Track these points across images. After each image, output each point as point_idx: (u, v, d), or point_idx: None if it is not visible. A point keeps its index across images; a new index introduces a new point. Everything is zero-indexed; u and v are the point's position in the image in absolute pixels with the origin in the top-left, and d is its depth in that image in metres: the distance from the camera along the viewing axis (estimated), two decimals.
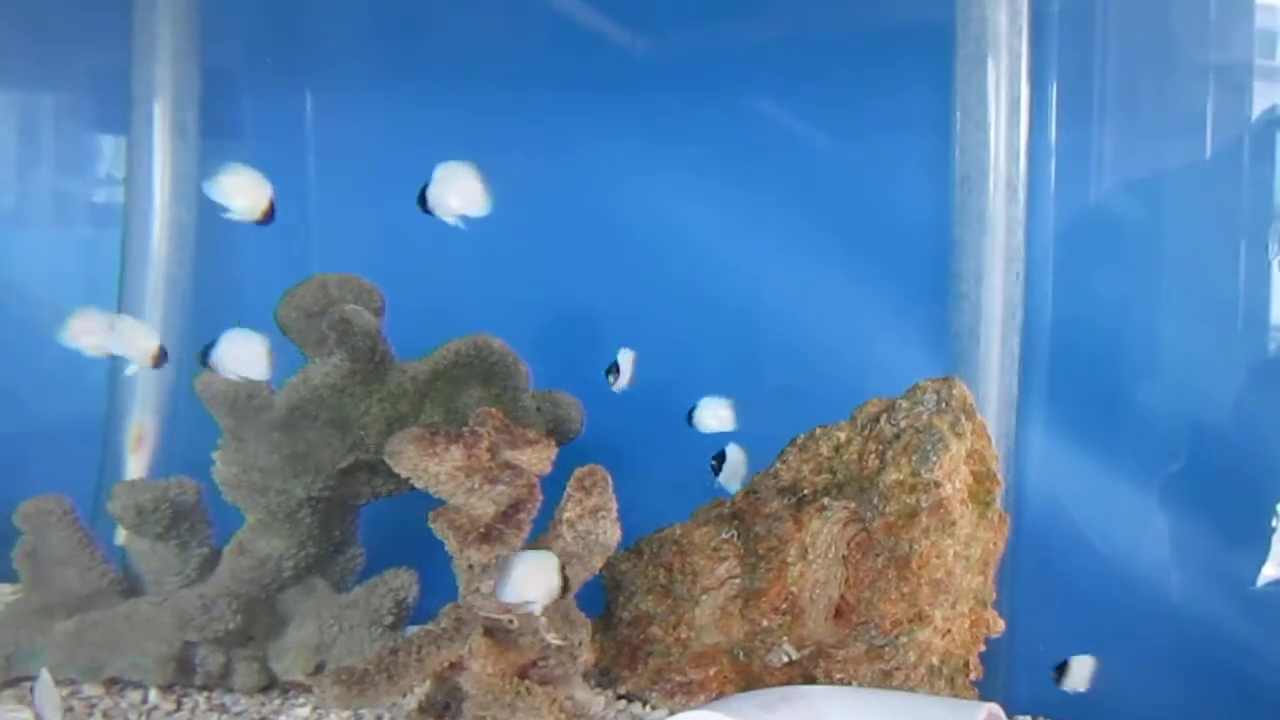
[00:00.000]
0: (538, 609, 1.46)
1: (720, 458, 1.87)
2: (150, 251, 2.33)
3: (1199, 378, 2.04)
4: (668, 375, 1.94)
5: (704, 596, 1.82)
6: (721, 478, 1.86)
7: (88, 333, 1.56)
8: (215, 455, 1.74)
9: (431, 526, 1.54)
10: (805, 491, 1.80)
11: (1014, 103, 2.05)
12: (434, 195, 1.63)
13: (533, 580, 1.44)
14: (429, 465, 1.55)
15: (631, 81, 2.27)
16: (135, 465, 2.08)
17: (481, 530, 1.52)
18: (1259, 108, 2.03)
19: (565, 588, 1.48)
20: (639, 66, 2.30)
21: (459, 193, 1.63)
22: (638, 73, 2.29)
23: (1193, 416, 2.03)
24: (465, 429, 1.59)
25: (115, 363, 2.29)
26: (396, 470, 1.58)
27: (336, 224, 2.37)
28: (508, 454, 1.61)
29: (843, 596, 1.79)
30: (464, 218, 1.65)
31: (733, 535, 1.84)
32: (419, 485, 1.58)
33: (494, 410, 1.64)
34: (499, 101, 2.27)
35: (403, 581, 1.75)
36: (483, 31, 2.30)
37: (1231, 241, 2.02)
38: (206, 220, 2.35)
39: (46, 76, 2.47)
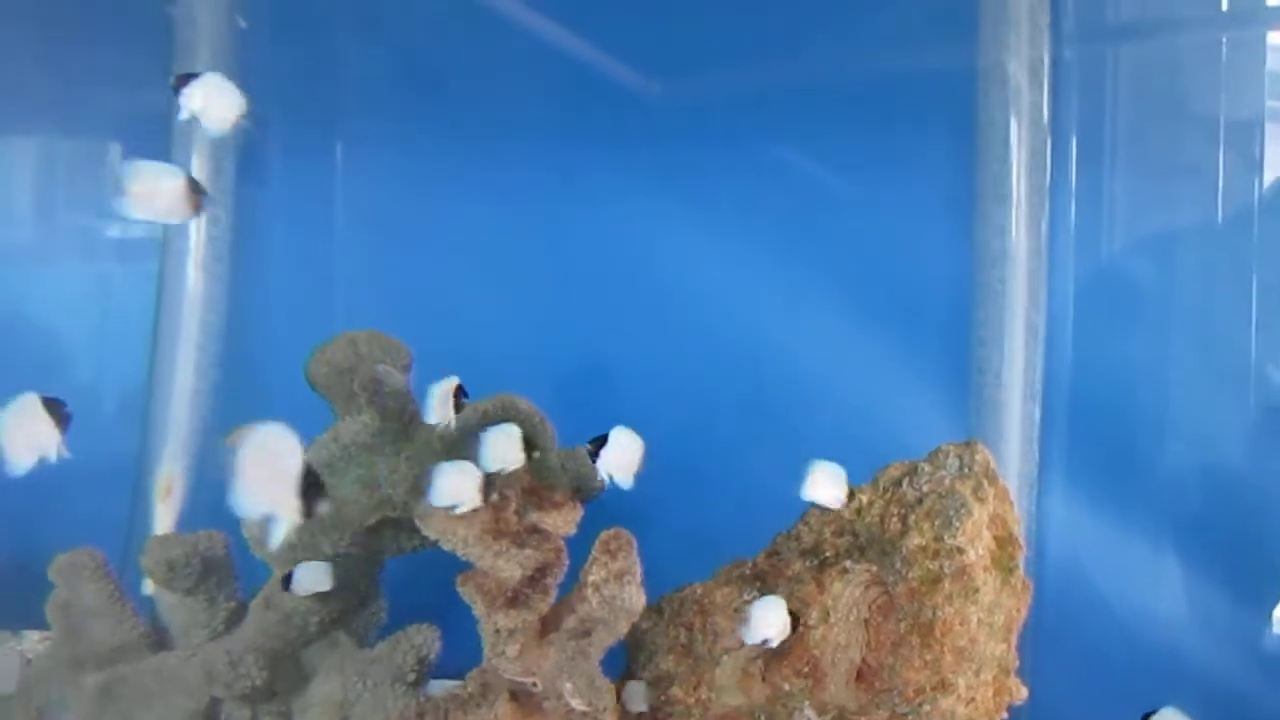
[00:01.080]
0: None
1: (600, 441, 1.58)
2: (184, 293, 2.37)
3: (1216, 439, 2.05)
4: (688, 429, 1.97)
5: (725, 657, 1.83)
6: (601, 465, 1.57)
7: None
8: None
9: (460, 591, 1.55)
10: (827, 554, 1.82)
11: (1035, 154, 2.08)
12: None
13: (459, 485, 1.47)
14: (457, 528, 1.57)
15: (653, 136, 2.31)
16: (164, 515, 2.11)
17: (509, 595, 1.54)
18: (1271, 157, 2.05)
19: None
20: (660, 121, 2.35)
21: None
22: (659, 127, 2.33)
23: (1211, 478, 2.03)
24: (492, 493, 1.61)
25: (149, 404, 2.34)
26: (425, 533, 1.60)
27: (363, 274, 2.41)
28: (534, 516, 1.63)
29: (864, 660, 1.79)
30: None
31: (755, 595, 1.85)
32: (446, 548, 1.60)
33: (520, 471, 1.66)
34: (523, 156, 2.31)
35: (425, 638, 1.76)
36: (508, 87, 2.35)
37: (1245, 301, 2.04)
38: (240, 267, 2.40)
39: (87, 118, 2.52)
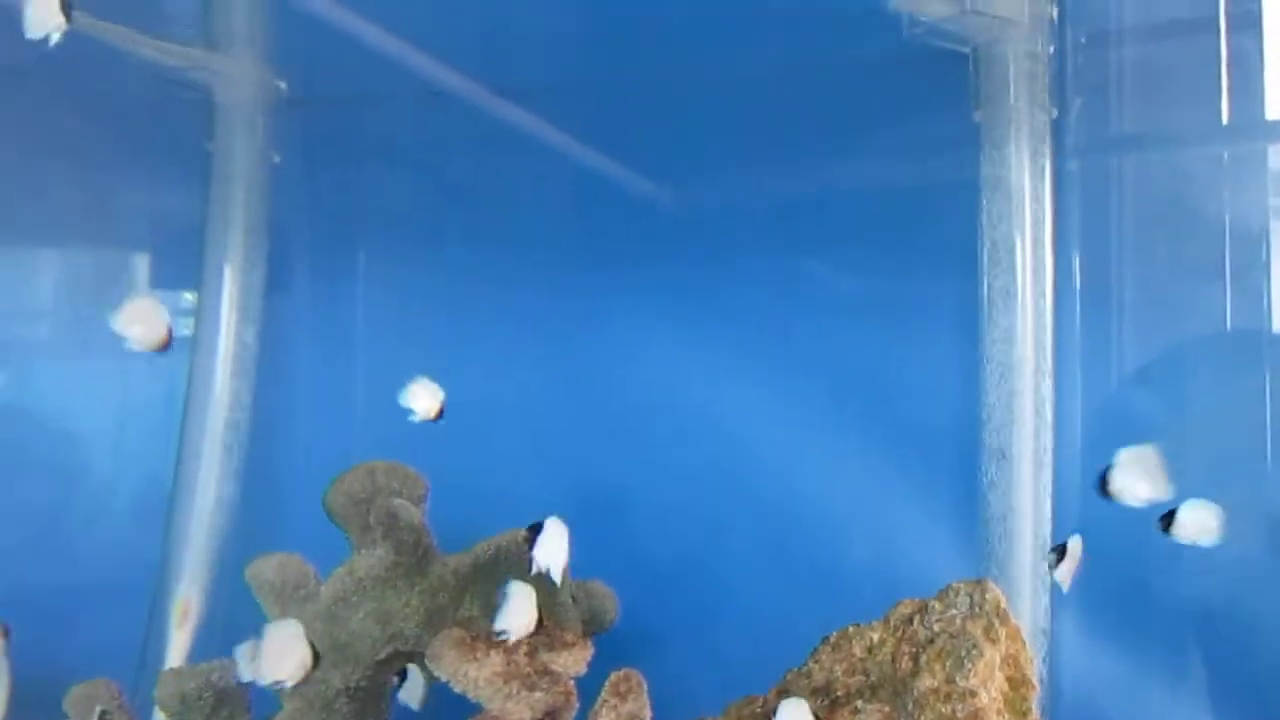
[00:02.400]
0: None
1: (536, 529, 1.63)
2: (212, 394, 2.42)
3: (1233, 569, 2.03)
4: (699, 559, 1.98)
5: None
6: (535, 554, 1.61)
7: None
8: None
9: None
10: (839, 693, 1.80)
11: (1038, 265, 2.10)
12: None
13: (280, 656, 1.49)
14: (469, 670, 1.58)
15: (665, 259, 2.36)
16: (179, 641, 2.13)
17: None
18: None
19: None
20: (673, 239, 2.40)
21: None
22: (672, 245, 2.39)
23: (1230, 610, 2.01)
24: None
25: (168, 520, 2.38)
26: (436, 673, 1.61)
27: (383, 387, 2.46)
28: (545, 657, 1.64)
29: None
30: None
31: None
32: (457, 689, 1.60)
33: None
34: (539, 275, 2.37)
35: None
36: (523, 205, 2.43)
37: (1259, 430, 2.04)
38: (264, 375, 2.46)
39: (121, 233, 2.61)
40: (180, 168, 2.32)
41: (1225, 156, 2.16)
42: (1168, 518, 1.58)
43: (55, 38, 1.49)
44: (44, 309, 2.66)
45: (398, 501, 1.79)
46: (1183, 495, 2.07)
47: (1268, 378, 2.04)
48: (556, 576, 1.63)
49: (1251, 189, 2.12)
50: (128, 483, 2.56)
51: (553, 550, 1.62)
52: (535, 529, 1.63)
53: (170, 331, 1.65)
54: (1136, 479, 1.60)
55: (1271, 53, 2.10)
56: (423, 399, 1.87)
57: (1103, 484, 1.57)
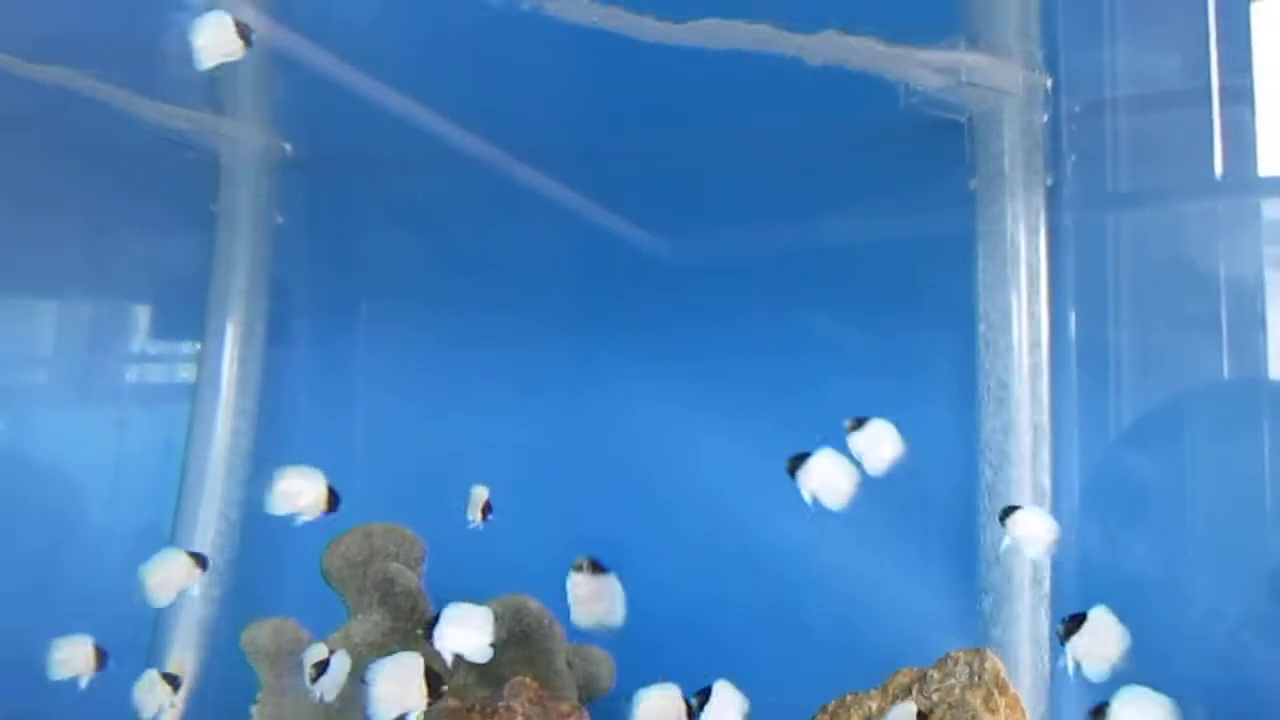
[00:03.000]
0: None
1: (703, 695, 1.47)
2: (214, 438, 2.42)
3: (1234, 638, 2.02)
4: (693, 618, 1.96)
5: None
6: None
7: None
8: (253, 710, 1.76)
9: None
10: None
11: (1033, 318, 2.10)
12: None
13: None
14: None
15: (665, 320, 2.37)
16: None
17: None
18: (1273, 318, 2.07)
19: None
20: (671, 306, 2.41)
21: None
22: (670, 312, 2.39)
23: (1230, 677, 2.00)
24: (500, 704, 1.61)
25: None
26: None
27: (381, 445, 2.46)
28: None
29: None
30: None
31: None
32: None
33: (528, 680, 1.67)
34: (538, 333, 2.38)
35: None
36: (523, 267, 2.44)
37: (1259, 496, 2.03)
38: (262, 431, 2.46)
39: (128, 278, 2.63)
40: (185, 225, 2.34)
41: (1220, 210, 2.17)
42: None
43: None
44: (46, 357, 2.67)
45: (394, 566, 1.79)
46: (1185, 561, 2.07)
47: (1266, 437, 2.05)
48: None
49: (1246, 242, 2.14)
50: (123, 531, 2.55)
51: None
52: (703, 695, 1.48)
53: (333, 495, 1.67)
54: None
55: (1263, 113, 2.13)
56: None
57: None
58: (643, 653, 1.93)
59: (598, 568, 1.65)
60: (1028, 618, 1.99)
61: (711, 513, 2.19)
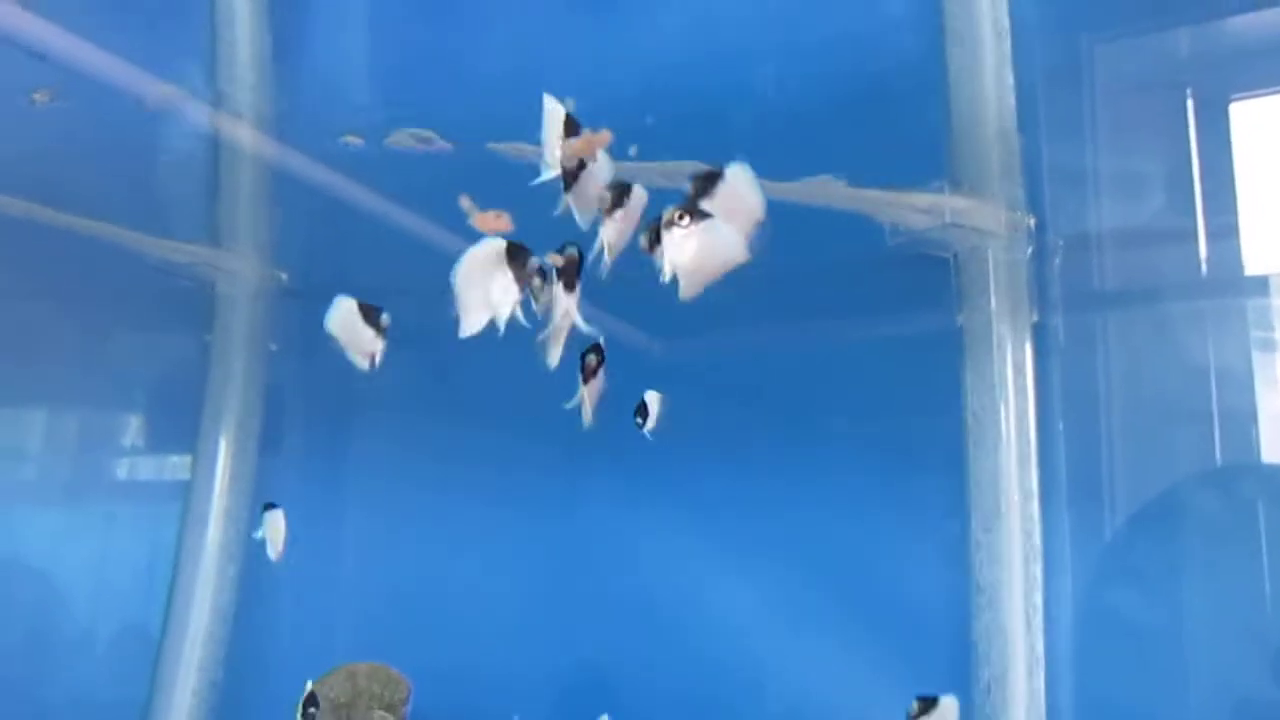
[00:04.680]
0: None
1: None
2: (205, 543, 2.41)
3: None
4: None
5: None
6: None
7: None
8: None
9: None
10: None
11: (1020, 416, 2.09)
12: None
13: None
14: None
15: (655, 445, 2.37)
16: None
17: None
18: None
19: None
20: (662, 431, 2.41)
21: None
22: (661, 437, 2.39)
23: None
24: None
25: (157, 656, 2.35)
26: None
27: (371, 566, 2.45)
28: None
29: None
30: None
31: None
32: None
33: None
34: (527, 458, 2.37)
35: None
36: (514, 388, 2.45)
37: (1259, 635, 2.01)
38: (250, 554, 2.45)
39: (124, 382, 2.64)
40: (180, 351, 2.37)
41: (1207, 309, 2.17)
42: None
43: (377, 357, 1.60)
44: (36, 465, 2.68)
45: (378, 715, 1.77)
46: (1183, 702, 2.03)
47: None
48: None
49: (1235, 342, 2.12)
50: (106, 630, 2.53)
51: None
52: None
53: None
54: None
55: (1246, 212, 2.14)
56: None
57: None
58: None
59: None
60: None
61: (704, 634, 2.16)
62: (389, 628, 2.25)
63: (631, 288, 2.40)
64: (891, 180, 1.95)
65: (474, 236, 2.43)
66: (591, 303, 2.47)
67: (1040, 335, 2.12)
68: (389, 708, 1.85)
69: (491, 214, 1.53)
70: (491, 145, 2.05)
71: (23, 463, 2.60)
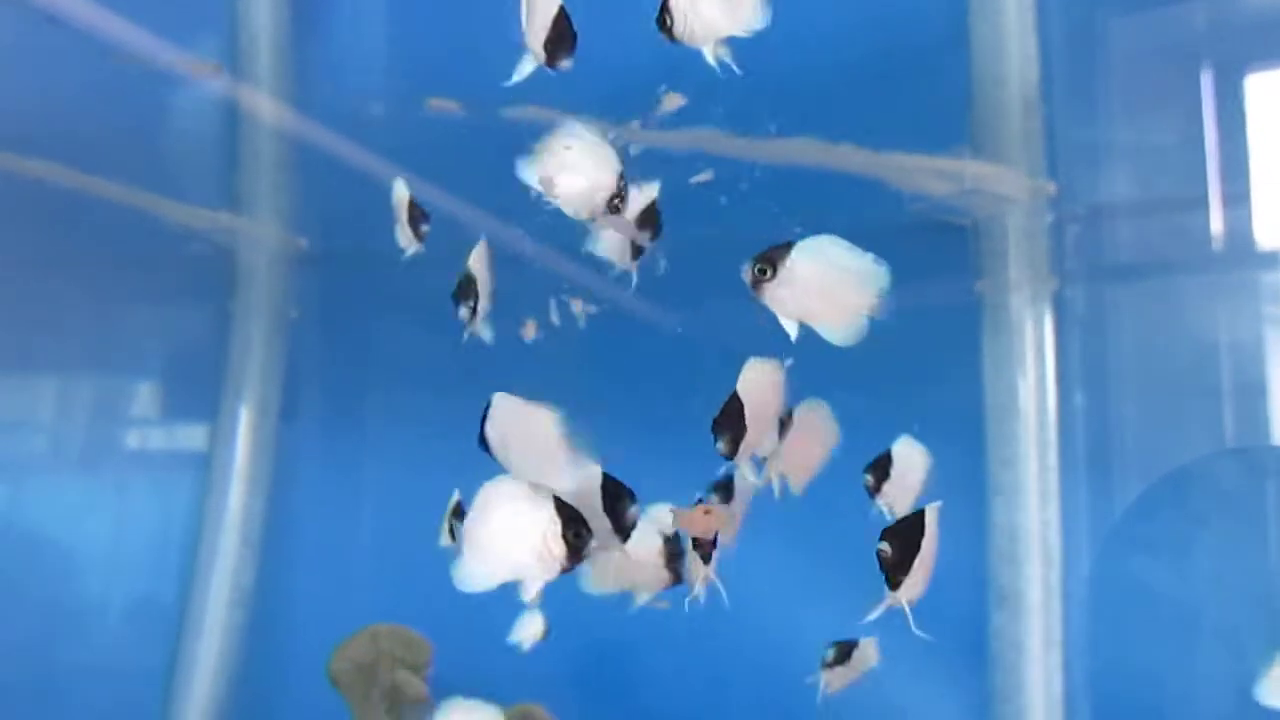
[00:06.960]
0: None
1: None
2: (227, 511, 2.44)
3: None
4: (698, 716, 1.94)
5: None
6: None
7: None
8: None
9: None
10: None
11: (1042, 434, 2.09)
12: None
13: None
14: None
15: (668, 405, 2.37)
16: None
17: None
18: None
19: None
20: (676, 391, 2.41)
21: None
22: (674, 400, 2.39)
23: None
24: None
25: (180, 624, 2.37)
26: None
27: (389, 542, 2.45)
28: None
29: None
30: None
31: None
32: None
33: None
34: None
35: None
36: (529, 353, 2.45)
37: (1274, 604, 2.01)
38: (271, 529, 2.46)
39: (143, 350, 2.63)
40: (201, 316, 2.38)
41: (1219, 282, 2.16)
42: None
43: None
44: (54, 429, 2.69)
45: (402, 674, 1.78)
46: (1196, 671, 2.04)
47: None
48: None
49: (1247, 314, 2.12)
50: (125, 599, 2.55)
51: None
52: None
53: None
54: None
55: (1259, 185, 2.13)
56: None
57: None
58: None
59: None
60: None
61: (716, 611, 2.17)
62: (409, 593, 2.26)
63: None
64: (914, 146, 1.94)
65: (499, 210, 2.50)
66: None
67: (1060, 305, 2.12)
68: (412, 669, 1.87)
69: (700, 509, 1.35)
70: (506, 110, 2.04)
71: (41, 431, 2.62)
